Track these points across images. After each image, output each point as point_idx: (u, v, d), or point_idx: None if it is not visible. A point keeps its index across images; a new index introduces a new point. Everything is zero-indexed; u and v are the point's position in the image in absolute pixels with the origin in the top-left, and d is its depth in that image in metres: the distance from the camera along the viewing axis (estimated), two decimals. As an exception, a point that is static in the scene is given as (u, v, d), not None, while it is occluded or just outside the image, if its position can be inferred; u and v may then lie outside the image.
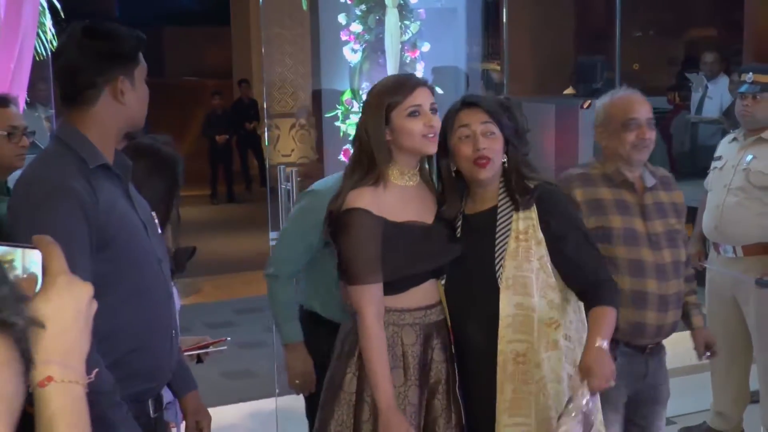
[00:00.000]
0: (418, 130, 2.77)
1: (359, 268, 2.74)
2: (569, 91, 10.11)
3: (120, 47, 2.42)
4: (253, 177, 14.43)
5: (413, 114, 2.77)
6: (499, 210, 2.85)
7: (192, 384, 2.78)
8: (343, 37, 5.51)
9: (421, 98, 2.80)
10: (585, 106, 7.16)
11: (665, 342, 3.50)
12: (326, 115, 6.01)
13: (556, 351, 2.76)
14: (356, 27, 5.46)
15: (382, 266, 2.74)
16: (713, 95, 8.51)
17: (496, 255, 2.79)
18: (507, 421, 2.74)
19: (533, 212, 2.81)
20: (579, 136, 6.82)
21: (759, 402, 4.74)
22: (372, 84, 5.40)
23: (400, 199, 2.82)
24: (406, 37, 5.40)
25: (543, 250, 2.78)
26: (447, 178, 2.92)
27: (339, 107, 5.73)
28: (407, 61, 5.43)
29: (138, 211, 2.49)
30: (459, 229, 2.91)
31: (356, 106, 5.42)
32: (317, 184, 3.51)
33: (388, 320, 2.79)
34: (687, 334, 3.68)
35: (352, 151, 2.90)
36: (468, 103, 2.88)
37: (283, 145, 13.47)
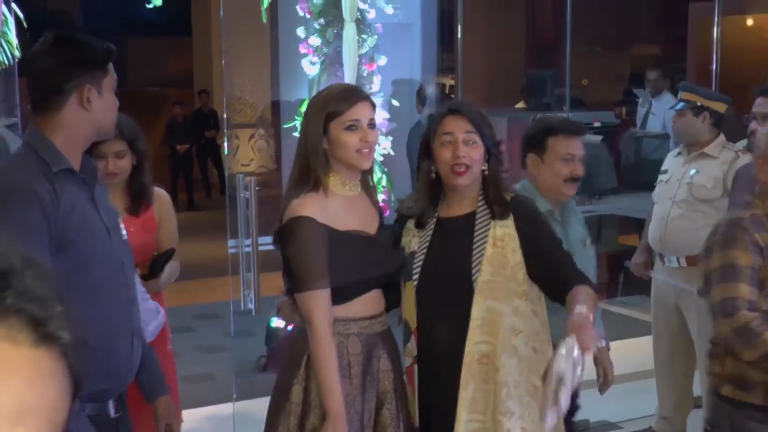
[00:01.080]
0: (354, 144, 2.76)
1: (308, 274, 2.71)
2: (520, 105, 10.15)
3: (88, 55, 2.44)
4: (213, 185, 14.33)
5: (351, 128, 2.76)
6: (477, 216, 2.85)
7: (163, 389, 2.77)
8: (302, 50, 5.49)
9: (361, 113, 2.78)
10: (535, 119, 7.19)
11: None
12: (285, 126, 5.98)
13: (515, 357, 2.75)
14: (315, 40, 5.44)
15: (328, 273, 2.72)
16: (657, 111, 8.57)
17: (474, 259, 2.79)
18: (465, 417, 2.74)
19: (510, 221, 2.82)
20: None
21: (702, 407, 4.78)
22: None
23: (343, 208, 2.80)
24: (363, 51, 5.39)
25: (518, 257, 2.78)
26: (424, 177, 2.92)
27: (297, 118, 5.70)
28: (364, 74, 5.42)
29: (102, 215, 2.50)
30: (431, 232, 2.90)
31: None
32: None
33: (334, 330, 2.75)
34: (629, 341, 3.69)
35: (295, 160, 2.88)
36: (453, 110, 2.89)
37: (243, 155, 13.40)
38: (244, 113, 13.64)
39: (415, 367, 2.89)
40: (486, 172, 2.86)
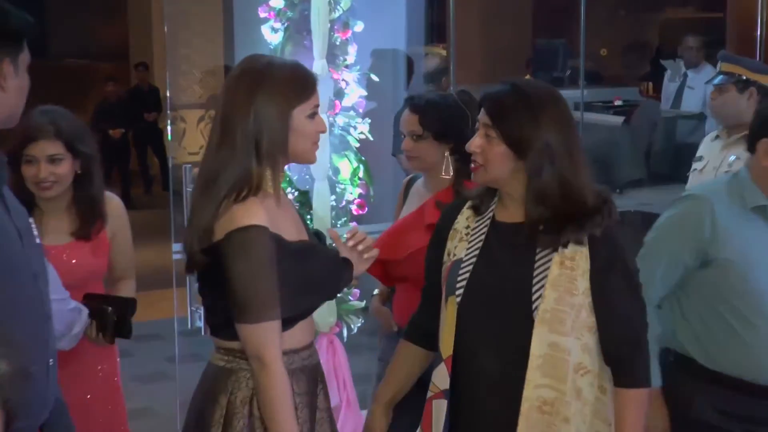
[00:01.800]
0: (312, 134, 2.78)
1: (262, 300, 2.64)
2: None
3: (8, 25, 2.41)
4: (154, 178, 14.30)
5: (313, 115, 2.78)
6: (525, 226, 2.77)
7: (70, 430, 2.75)
8: (262, 14, 5.47)
9: (318, 98, 2.81)
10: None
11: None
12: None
13: (580, 402, 2.70)
14: (277, 2, 5.42)
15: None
16: (695, 85, 8.55)
17: (535, 281, 2.70)
18: None
19: (585, 238, 2.72)
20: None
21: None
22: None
23: (281, 213, 2.77)
24: (335, 15, 5.38)
25: (587, 282, 2.70)
26: None
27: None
28: (337, 43, 5.41)
29: (12, 216, 2.47)
30: (483, 237, 2.82)
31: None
32: (696, 188, 3.44)
33: None
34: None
35: (220, 150, 2.74)
36: (484, 98, 2.84)
37: (190, 141, 13.36)
38: (192, 91, 13.61)
39: (439, 403, 2.80)
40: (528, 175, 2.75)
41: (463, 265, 2.79)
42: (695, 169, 4.75)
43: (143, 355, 7.20)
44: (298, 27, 5.41)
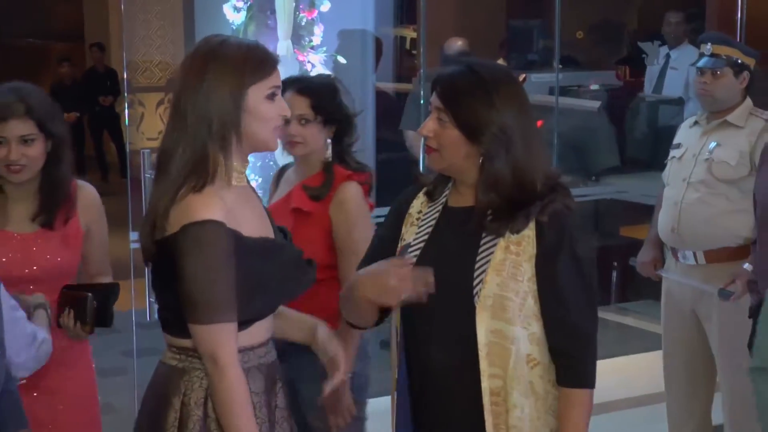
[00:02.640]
0: (273, 118, 2.70)
1: (217, 300, 2.57)
2: (500, 62, 10.20)
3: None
4: (111, 165, 14.23)
5: (272, 96, 2.68)
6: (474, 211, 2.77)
7: (22, 422, 2.73)
8: (224, -7, 5.47)
9: (279, 79, 2.72)
10: (520, 80, 7.23)
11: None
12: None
13: (533, 397, 2.71)
14: (240, -20, 5.42)
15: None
16: (678, 65, 8.59)
17: (477, 266, 2.70)
18: None
19: (533, 223, 2.71)
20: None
21: (723, 437, 4.86)
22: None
23: (240, 206, 2.70)
24: (301, -6, 5.39)
25: (534, 269, 2.69)
26: None
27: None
28: (303, 23, 5.41)
29: None
30: (434, 222, 2.82)
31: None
32: None
33: None
34: (633, 358, 3.74)
35: (173, 132, 2.66)
36: (436, 81, 2.82)
37: (149, 126, 13.31)
38: (151, 73, 13.56)
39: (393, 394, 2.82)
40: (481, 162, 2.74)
41: (410, 250, 2.79)
42: (674, 157, 4.77)
43: (99, 349, 7.10)
44: (262, 6, 5.40)
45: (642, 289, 7.19)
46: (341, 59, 6.09)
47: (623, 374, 3.82)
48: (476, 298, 2.67)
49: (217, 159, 2.62)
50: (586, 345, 2.76)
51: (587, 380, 2.76)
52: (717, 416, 4.94)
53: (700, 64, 4.63)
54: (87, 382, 3.65)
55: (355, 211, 3.62)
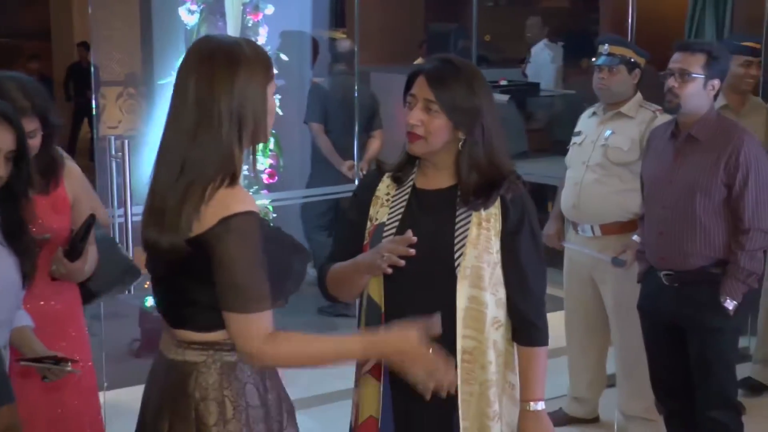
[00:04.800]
0: (274, 113, 2.47)
1: (262, 289, 2.32)
2: (419, 61, 10.21)
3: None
4: (80, 151, 14.04)
5: (273, 93, 2.46)
6: (460, 191, 2.75)
7: (8, 397, 2.54)
8: (179, -3, 5.42)
9: None
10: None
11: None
12: (160, 82, 5.88)
13: (496, 352, 2.74)
14: (193, -14, 5.37)
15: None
16: (535, 59, 9.02)
17: (456, 241, 2.70)
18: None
19: (498, 201, 2.74)
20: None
21: (615, 386, 4.93)
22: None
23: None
24: (248, -1, 5.35)
25: (500, 243, 2.73)
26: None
27: (172, 73, 5.61)
28: (249, 24, 5.37)
29: None
30: (405, 203, 2.78)
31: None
32: None
33: (231, 375, 2.42)
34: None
35: (198, 135, 2.33)
36: (421, 71, 2.75)
37: (109, 116, 13.13)
38: (111, 69, 13.36)
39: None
40: (461, 146, 2.73)
41: (386, 229, 2.76)
42: (575, 143, 4.83)
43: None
44: (213, 9, 5.37)
45: (546, 259, 7.25)
46: (283, 57, 6.06)
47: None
48: (458, 269, 2.68)
49: (240, 156, 2.37)
50: (540, 308, 2.82)
51: (544, 339, 2.82)
52: (610, 367, 5.03)
53: (599, 62, 4.68)
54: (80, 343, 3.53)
55: None
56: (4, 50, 14.99)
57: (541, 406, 2.79)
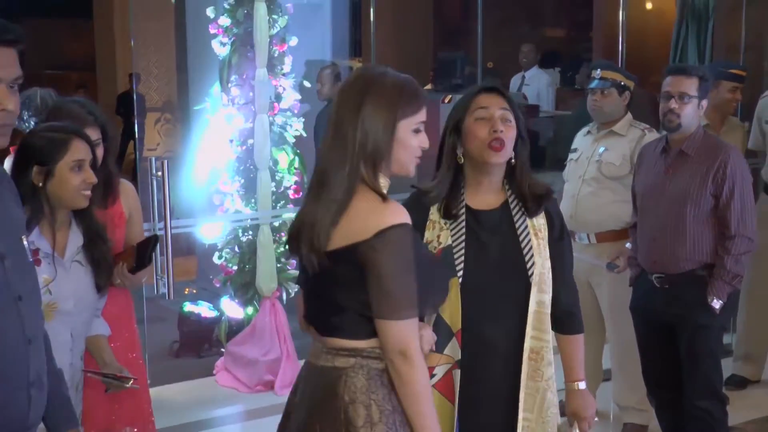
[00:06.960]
0: (415, 149, 2.38)
1: (410, 296, 2.28)
2: (429, 87, 10.22)
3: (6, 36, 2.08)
4: (124, 170, 14.11)
5: (417, 131, 2.37)
6: (511, 206, 2.78)
7: (72, 422, 2.42)
8: (212, 30, 5.45)
9: (425, 115, 2.39)
10: (446, 100, 7.24)
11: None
12: (195, 108, 5.92)
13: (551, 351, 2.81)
14: (225, 20, 5.40)
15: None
16: (530, 82, 9.08)
17: (525, 251, 2.73)
18: (521, 416, 2.74)
19: (542, 215, 2.80)
20: (440, 128, 6.91)
21: (611, 380, 4.92)
22: (243, 77, 5.36)
23: None
24: (274, 31, 5.38)
25: (548, 249, 2.79)
26: (449, 161, 2.78)
27: (207, 100, 5.66)
28: (275, 55, 5.41)
29: None
30: (464, 223, 2.75)
31: (226, 99, 5.37)
32: None
33: (380, 381, 2.35)
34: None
35: (331, 152, 2.33)
36: (489, 88, 2.80)
37: (149, 139, 13.20)
38: (150, 97, 13.43)
39: (457, 372, 2.73)
40: (513, 161, 2.76)
41: (455, 251, 2.72)
42: (572, 159, 4.83)
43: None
44: (243, 41, 5.41)
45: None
46: (307, 83, 6.10)
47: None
48: (531, 277, 2.72)
49: (373, 177, 2.32)
50: (577, 301, 2.92)
51: (582, 327, 2.93)
52: (606, 363, 5.01)
53: (592, 85, 4.69)
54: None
55: None
56: (53, 80, 15.06)
57: (584, 385, 2.88)
